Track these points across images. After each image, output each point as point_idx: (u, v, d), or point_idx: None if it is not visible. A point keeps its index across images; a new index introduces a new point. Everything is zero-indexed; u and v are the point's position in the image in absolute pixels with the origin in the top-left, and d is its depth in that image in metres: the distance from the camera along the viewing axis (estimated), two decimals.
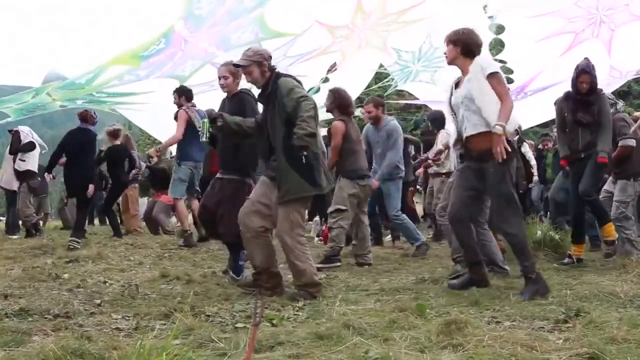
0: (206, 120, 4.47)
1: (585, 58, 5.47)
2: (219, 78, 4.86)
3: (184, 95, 7.28)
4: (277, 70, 4.15)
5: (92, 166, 7.84)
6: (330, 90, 5.95)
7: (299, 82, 4.12)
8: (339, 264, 5.57)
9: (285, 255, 4.05)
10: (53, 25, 6.87)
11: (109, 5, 6.84)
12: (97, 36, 7.11)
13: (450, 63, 4.17)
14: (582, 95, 5.31)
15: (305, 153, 3.78)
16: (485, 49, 10.26)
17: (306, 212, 4.21)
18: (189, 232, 7.42)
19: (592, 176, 5.26)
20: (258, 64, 4.02)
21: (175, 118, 7.28)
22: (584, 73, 5.29)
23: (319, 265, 5.37)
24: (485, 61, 4.03)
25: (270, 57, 4.12)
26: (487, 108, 3.85)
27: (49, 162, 8.08)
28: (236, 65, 4.14)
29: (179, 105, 7.29)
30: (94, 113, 7.91)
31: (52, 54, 7.26)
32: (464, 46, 4.02)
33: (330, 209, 5.73)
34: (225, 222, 4.52)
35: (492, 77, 3.89)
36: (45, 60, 7.35)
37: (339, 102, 5.74)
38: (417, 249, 6.39)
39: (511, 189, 3.91)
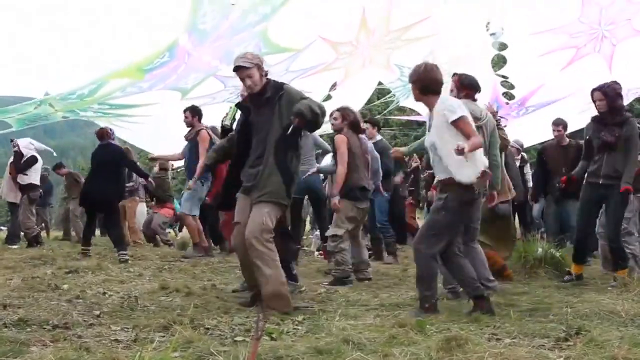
0: (234, 106, 4.55)
1: (613, 81, 5.39)
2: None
3: (197, 115, 7.37)
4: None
5: (117, 181, 7.88)
6: (339, 110, 5.92)
7: None
8: (350, 285, 5.45)
9: (252, 259, 3.95)
10: (53, 25, 6.91)
11: (109, 5, 6.89)
12: (97, 36, 7.15)
13: (416, 101, 4.13)
14: (603, 115, 5.24)
15: (297, 122, 3.83)
16: (487, 65, 10.39)
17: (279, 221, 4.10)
18: (203, 243, 7.53)
19: (615, 219, 5.22)
20: (258, 67, 4.07)
21: (189, 138, 7.35)
22: (595, 91, 5.26)
23: (329, 286, 5.29)
24: (448, 107, 3.87)
25: (264, 62, 4.19)
26: (447, 157, 3.81)
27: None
28: (237, 68, 4.11)
29: (190, 125, 7.34)
30: (110, 129, 8.00)
31: (52, 54, 7.29)
32: (422, 85, 3.95)
33: (328, 233, 5.67)
34: None
35: (456, 123, 3.80)
36: (45, 60, 7.38)
37: (351, 120, 5.72)
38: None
39: (444, 224, 3.87)
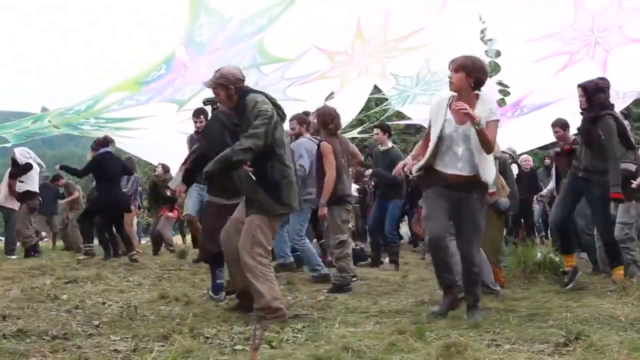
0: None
1: (600, 77, 5.47)
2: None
3: None
4: (247, 88, 4.11)
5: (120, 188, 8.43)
6: (316, 111, 5.94)
7: (272, 101, 4.04)
8: (349, 292, 5.41)
9: (245, 273, 3.94)
10: (53, 25, 6.88)
11: (109, 5, 6.86)
12: (97, 36, 7.14)
13: (456, 91, 3.92)
14: (583, 111, 5.29)
15: (247, 168, 3.79)
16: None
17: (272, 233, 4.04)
18: None
19: (605, 215, 5.24)
20: (224, 87, 4.01)
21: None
22: (577, 87, 5.32)
23: (328, 293, 5.25)
24: (492, 104, 3.95)
25: (241, 79, 4.05)
26: (480, 154, 3.82)
27: (73, 172, 8.60)
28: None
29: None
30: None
31: (52, 54, 7.28)
32: (477, 78, 3.88)
33: (332, 242, 5.61)
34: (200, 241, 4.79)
35: (493, 123, 3.84)
36: (45, 60, 7.38)
37: (336, 124, 5.65)
38: (314, 279, 6.16)
39: (483, 221, 4.04)
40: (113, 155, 8.29)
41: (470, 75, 3.85)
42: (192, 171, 5.12)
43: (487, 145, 3.80)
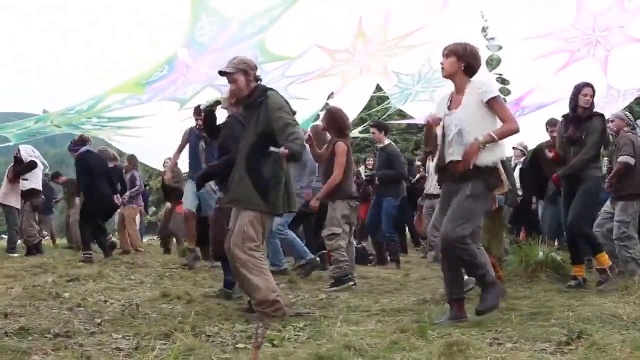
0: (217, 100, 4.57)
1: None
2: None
3: None
4: (262, 82, 4.16)
5: (107, 189, 8.33)
6: (326, 110, 6.05)
7: (287, 102, 4.10)
8: (351, 283, 5.46)
9: (237, 270, 3.93)
10: (53, 25, 6.87)
11: (109, 5, 6.85)
12: (97, 36, 7.14)
13: (447, 77, 3.90)
14: (582, 110, 5.32)
15: (287, 152, 3.82)
16: (482, 66, 10.42)
17: (262, 230, 4.01)
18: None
19: (581, 208, 5.25)
20: (244, 72, 4.03)
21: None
22: (587, 86, 5.36)
23: (331, 290, 5.30)
24: (484, 84, 3.83)
25: (256, 67, 4.12)
26: (470, 139, 3.70)
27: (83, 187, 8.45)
28: (222, 73, 4.14)
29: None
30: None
31: (52, 54, 7.28)
32: (468, 64, 3.82)
33: (325, 233, 5.68)
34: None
35: (493, 101, 3.73)
36: (45, 60, 7.38)
37: (333, 123, 5.77)
38: (302, 267, 6.31)
39: (476, 212, 3.76)
40: (94, 153, 8.33)
41: (461, 60, 3.81)
42: (215, 174, 5.05)
43: (509, 133, 3.77)
